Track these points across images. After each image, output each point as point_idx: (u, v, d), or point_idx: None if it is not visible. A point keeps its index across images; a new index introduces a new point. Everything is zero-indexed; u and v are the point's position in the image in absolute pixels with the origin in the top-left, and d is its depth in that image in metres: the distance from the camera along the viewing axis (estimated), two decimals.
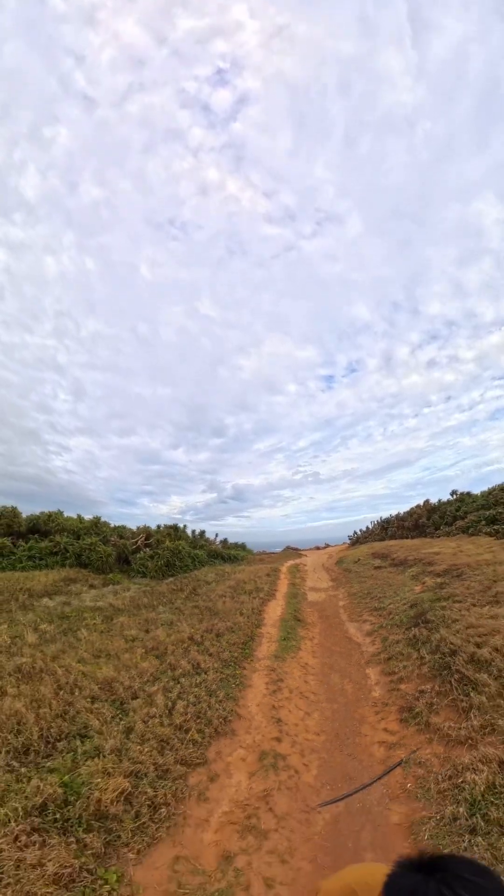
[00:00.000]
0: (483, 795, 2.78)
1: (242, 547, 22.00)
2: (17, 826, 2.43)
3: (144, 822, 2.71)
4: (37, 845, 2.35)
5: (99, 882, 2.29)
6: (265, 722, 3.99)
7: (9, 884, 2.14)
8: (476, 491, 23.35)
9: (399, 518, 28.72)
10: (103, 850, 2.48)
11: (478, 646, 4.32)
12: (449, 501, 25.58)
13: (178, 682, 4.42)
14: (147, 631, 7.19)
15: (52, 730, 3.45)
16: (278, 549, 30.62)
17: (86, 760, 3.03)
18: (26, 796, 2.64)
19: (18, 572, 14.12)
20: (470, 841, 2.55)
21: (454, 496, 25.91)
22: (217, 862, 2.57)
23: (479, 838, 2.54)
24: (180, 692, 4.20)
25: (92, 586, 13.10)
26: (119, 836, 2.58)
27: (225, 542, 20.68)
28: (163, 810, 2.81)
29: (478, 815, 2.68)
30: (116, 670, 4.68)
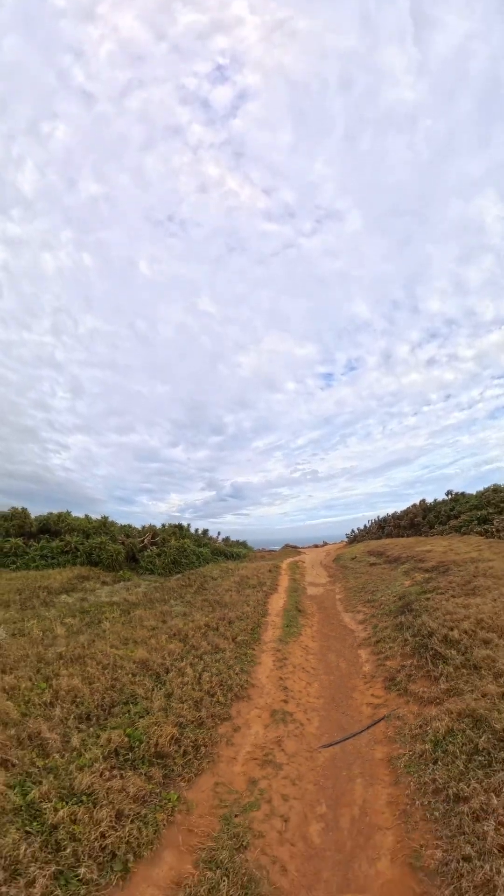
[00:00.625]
0: (444, 737, 3.71)
1: (244, 545, 22.98)
2: (101, 765, 3.32)
3: (190, 759, 3.63)
4: (117, 777, 3.25)
5: (164, 801, 3.20)
6: (274, 689, 4.93)
7: (104, 804, 3.02)
8: (475, 489, 24.29)
9: (395, 517, 29.68)
10: (163, 779, 3.39)
11: (450, 629, 5.27)
12: (444, 501, 26.52)
13: (202, 659, 5.35)
14: (164, 621, 8.09)
15: (105, 699, 4.34)
16: (277, 547, 31.58)
17: (139, 718, 3.94)
18: (101, 745, 3.54)
19: (33, 571, 14.97)
20: (433, 769, 3.48)
21: (449, 496, 26.87)
22: (245, 785, 3.50)
23: (440, 765, 3.47)
24: (204, 666, 5.13)
25: (104, 583, 13.98)
26: (173, 770, 3.50)
27: (227, 539, 21.64)
28: (202, 751, 3.73)
29: (439, 751, 3.61)
30: (148, 652, 5.60)
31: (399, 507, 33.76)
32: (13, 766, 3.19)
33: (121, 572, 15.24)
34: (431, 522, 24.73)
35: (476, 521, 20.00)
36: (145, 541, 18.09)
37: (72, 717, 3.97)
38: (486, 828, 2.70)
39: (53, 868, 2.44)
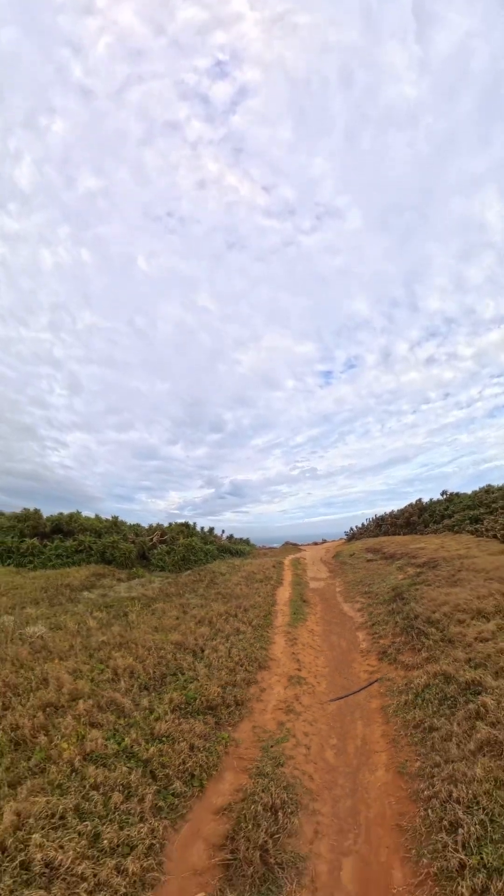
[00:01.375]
0: (422, 690, 4.92)
1: (247, 542, 24.19)
2: (171, 717, 4.45)
3: (232, 710, 4.81)
4: (184, 723, 4.39)
5: (219, 738, 4.35)
6: (288, 661, 6.13)
7: (180, 741, 4.13)
8: (473, 488, 25.53)
9: (393, 516, 30.98)
10: (215, 725, 4.55)
11: (432, 612, 6.49)
12: (439, 501, 27.81)
13: (228, 639, 6.54)
14: (185, 612, 9.24)
15: (156, 672, 5.48)
16: (277, 545, 32.82)
17: (189, 683, 5.11)
18: (166, 704, 4.68)
19: (50, 570, 16.04)
20: (413, 711, 4.67)
21: (444, 496, 28.18)
22: (275, 726, 4.68)
23: (418, 709, 4.66)
24: (231, 645, 6.32)
25: (119, 580, 15.13)
26: (222, 717, 4.67)
27: (231, 537, 22.83)
28: (240, 704, 4.92)
29: (419, 699, 4.81)
30: (182, 635, 6.76)
31: (398, 504, 35.06)
32: (102, 725, 4.32)
33: (134, 569, 16.40)
34: (426, 521, 26.04)
35: (468, 521, 21.30)
36: (154, 539, 19.24)
37: (135, 687, 5.12)
38: (449, 745, 3.89)
39: (154, 787, 3.55)
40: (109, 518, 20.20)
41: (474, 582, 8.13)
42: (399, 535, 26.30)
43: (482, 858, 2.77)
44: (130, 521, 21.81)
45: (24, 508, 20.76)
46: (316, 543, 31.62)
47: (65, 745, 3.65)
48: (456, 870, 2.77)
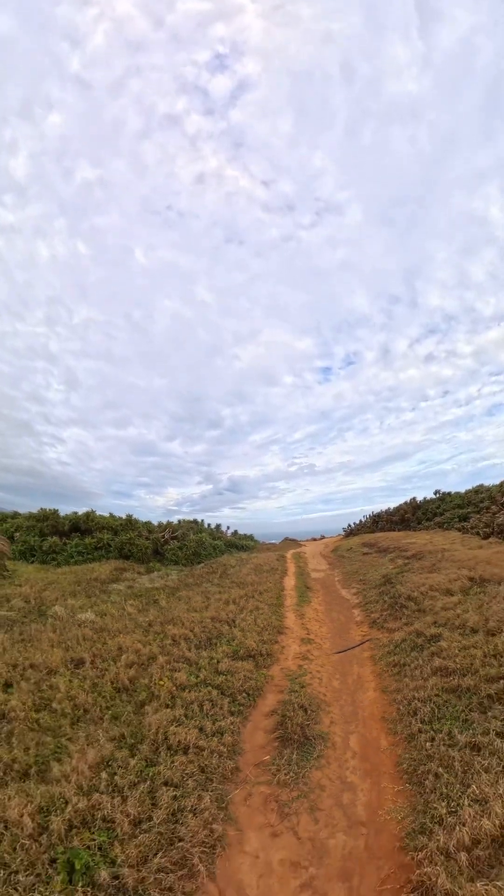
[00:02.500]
0: (399, 643, 6.90)
1: (251, 538, 26.18)
2: (226, 660, 6.39)
3: (265, 658, 6.78)
4: (237, 664, 6.32)
5: (260, 674, 6.29)
6: (300, 629, 8.11)
7: (235, 674, 6.07)
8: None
9: (388, 513, 33.14)
10: (255, 667, 6.50)
11: (412, 591, 8.49)
12: (432, 500, 29.98)
13: (251, 614, 8.50)
14: (208, 598, 11.17)
15: (204, 637, 7.40)
16: (276, 541, 34.86)
17: (231, 641, 7.05)
18: (220, 653, 6.61)
19: (73, 566, 17.84)
20: (394, 657, 6.63)
21: (437, 495, 30.33)
22: (296, 667, 6.66)
23: (397, 655, 6.62)
24: (255, 617, 8.27)
25: (140, 573, 17.03)
26: (259, 662, 6.63)
27: (236, 533, 24.80)
28: (270, 655, 6.88)
29: (397, 649, 6.79)
30: (215, 612, 8.70)
31: (396, 501, 37.24)
32: (181, 670, 6.21)
33: (151, 564, 18.30)
34: (420, 518, 28.22)
35: (457, 519, 23.46)
36: (166, 536, 21.15)
37: (192, 646, 7.05)
38: (415, 672, 5.86)
39: (227, 700, 5.45)
40: (124, 516, 22.03)
41: (450, 570, 10.14)
42: (394, 531, 28.43)
43: (431, 727, 4.73)
44: (134, 517, 23.62)
45: (41, 508, 22.55)
46: (315, 539, 33.73)
47: (162, 682, 5.58)
48: (415, 734, 4.73)
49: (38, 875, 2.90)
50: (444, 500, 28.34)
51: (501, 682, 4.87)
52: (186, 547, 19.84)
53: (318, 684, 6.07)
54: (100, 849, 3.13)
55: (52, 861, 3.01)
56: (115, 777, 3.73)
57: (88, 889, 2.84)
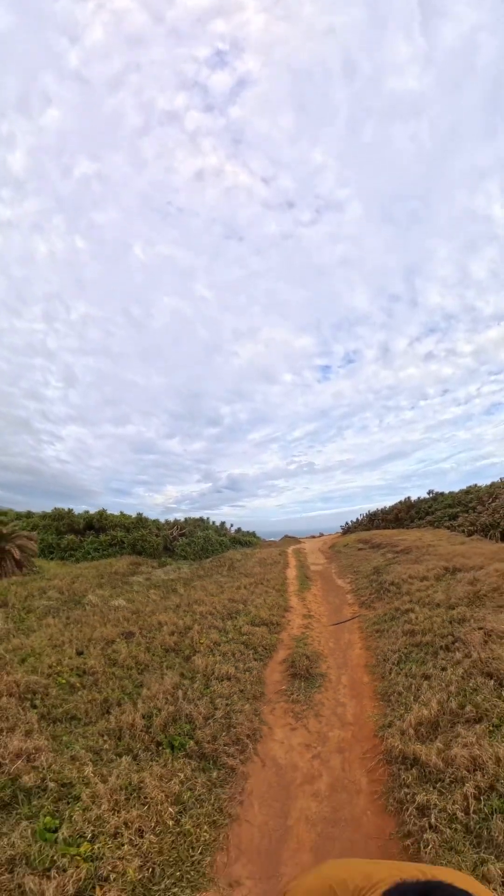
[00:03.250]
0: (381, 616, 8.90)
1: (253, 534, 28.20)
2: (247, 626, 8.38)
3: (276, 626, 8.79)
4: (255, 629, 8.30)
5: (273, 637, 8.28)
6: (302, 608, 10.11)
7: (254, 635, 8.05)
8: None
9: (384, 512, 35.25)
10: (268, 632, 8.49)
11: (396, 579, 10.50)
12: (425, 499, 32.07)
13: (261, 596, 10.48)
14: (221, 586, 13.14)
15: (226, 612, 9.37)
16: (275, 539, 36.89)
17: (247, 615, 9.03)
18: (241, 622, 8.58)
19: (91, 562, 19.69)
20: (375, 626, 8.63)
21: (430, 495, 32.42)
22: (300, 633, 8.67)
23: (378, 625, 8.62)
24: (264, 599, 10.26)
25: (153, 567, 18.95)
26: (270, 628, 8.64)
27: (239, 530, 26.80)
28: (279, 624, 8.88)
29: (380, 620, 8.78)
30: (231, 595, 10.67)
31: (395, 499, 39.36)
32: (213, 634, 8.17)
33: (162, 559, 20.23)
34: (413, 517, 30.32)
35: (447, 518, 25.53)
36: (174, 532, 23.08)
37: (217, 618, 9.01)
38: (390, 635, 7.85)
39: (251, 651, 7.44)
40: (134, 515, 23.93)
41: (430, 561, 12.17)
42: (389, 529, 30.51)
43: (398, 667, 6.72)
44: (135, 514, 25.49)
45: (56, 508, 24.44)
46: (313, 537, 35.75)
47: (202, 640, 7.55)
48: (387, 673, 6.71)
49: (152, 752, 4.82)
50: (436, 500, 30.44)
51: (449, 637, 6.86)
52: (194, 543, 21.80)
53: (317, 644, 8.07)
54: (186, 734, 5.08)
55: (159, 744, 4.93)
56: (187, 693, 5.69)
57: (183, 757, 4.76)
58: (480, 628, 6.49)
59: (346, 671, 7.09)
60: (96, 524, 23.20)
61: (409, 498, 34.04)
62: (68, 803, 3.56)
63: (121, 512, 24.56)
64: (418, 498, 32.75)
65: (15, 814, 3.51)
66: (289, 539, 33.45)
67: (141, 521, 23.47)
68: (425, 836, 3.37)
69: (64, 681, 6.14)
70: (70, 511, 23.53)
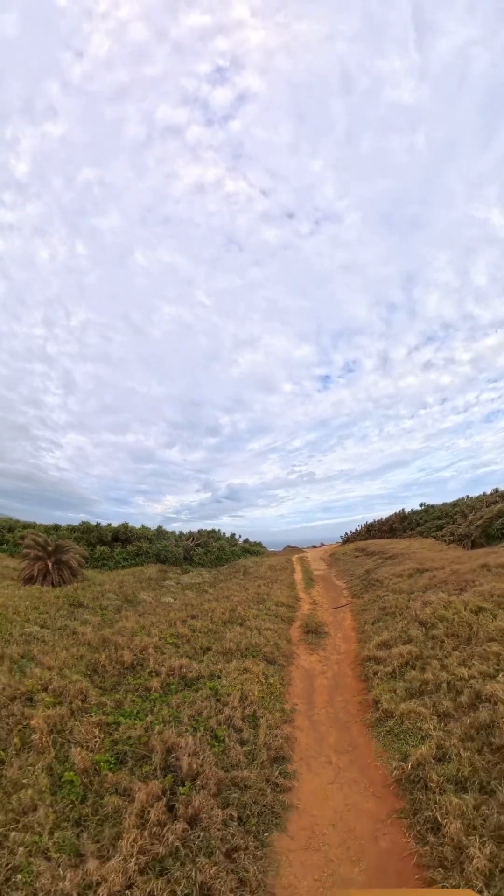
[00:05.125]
0: (367, 602, 13.53)
1: (260, 545, 32.78)
2: (272, 605, 12.97)
3: (293, 608, 13.39)
4: (279, 607, 12.89)
5: (290, 615, 12.87)
6: (308, 599, 14.78)
7: (278, 611, 12.63)
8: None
9: (380, 522, 39.97)
10: (288, 609, 13.08)
11: (380, 577, 15.14)
12: (416, 511, 36.85)
13: (278, 591, 15.08)
14: (243, 586, 17.68)
15: (256, 599, 13.94)
16: (277, 549, 41.41)
17: (272, 600, 13.63)
18: (268, 604, 13.16)
19: (122, 570, 24.03)
20: (363, 607, 13.25)
21: (422, 507, 37.20)
22: (309, 612, 13.30)
23: (364, 608, 13.24)
24: (281, 592, 14.87)
25: (178, 573, 23.42)
26: (290, 608, 13.22)
27: (247, 541, 31.33)
28: (294, 606, 13.50)
29: (365, 604, 13.39)
30: (256, 590, 15.23)
31: (396, 508, 44.13)
32: (253, 609, 12.71)
33: (184, 566, 24.70)
34: (405, 528, 35.07)
35: (434, 528, 30.26)
36: (191, 543, 27.58)
37: (251, 603, 13.56)
38: (369, 610, 12.48)
39: (279, 620, 12.05)
40: (154, 528, 28.40)
41: (408, 564, 16.84)
42: (384, 538, 35.19)
43: (373, 626, 11.33)
44: (131, 524, 29.89)
45: (84, 521, 28.93)
46: (315, 547, 40.42)
47: (247, 614, 12.13)
48: (367, 630, 11.32)
49: (245, 659, 9.32)
50: (426, 512, 35.28)
51: (404, 606, 11.46)
52: (210, 552, 26.33)
53: (321, 618, 12.69)
54: (257, 651, 9.62)
55: (244, 656, 9.45)
56: (249, 636, 10.28)
57: (260, 660, 9.27)
58: (423, 601, 11.12)
59: (340, 631, 11.69)
60: (122, 536, 27.65)
61: (403, 510, 38.86)
62: (218, 678, 8.06)
63: (142, 525, 29.03)
64: (411, 510, 37.55)
65: (192, 689, 7.99)
66: (292, 549, 38.06)
67: (161, 533, 27.96)
68: (376, 681, 7.93)
69: (170, 642, 10.66)
70: (98, 524, 27.97)
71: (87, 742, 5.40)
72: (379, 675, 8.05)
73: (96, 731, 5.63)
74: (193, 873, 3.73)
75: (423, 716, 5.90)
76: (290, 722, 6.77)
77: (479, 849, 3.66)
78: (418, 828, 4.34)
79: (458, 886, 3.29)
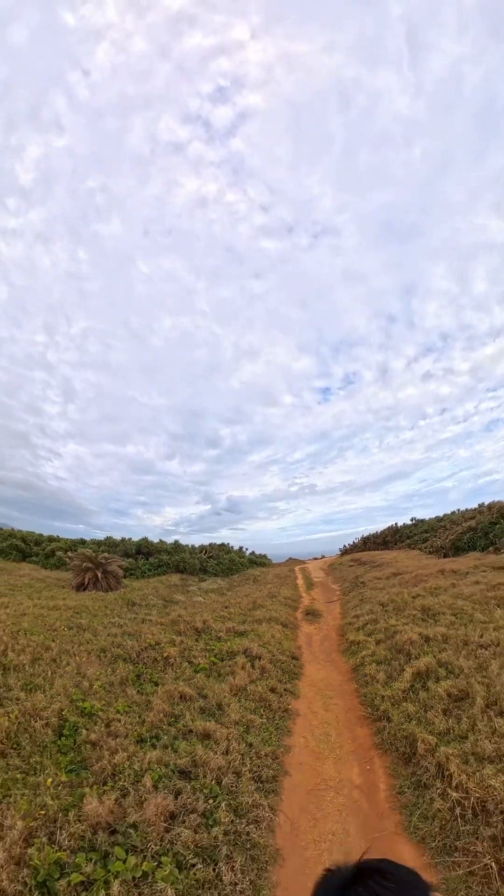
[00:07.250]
0: (352, 597, 19.79)
1: (265, 556, 39.02)
2: (286, 598, 19.23)
3: (299, 600, 19.69)
4: (287, 600, 19.13)
5: (297, 601, 19.13)
6: (308, 597, 21.15)
7: (286, 603, 18.88)
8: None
9: (375, 536, 46.36)
10: (292, 601, 19.36)
11: (365, 580, 21.45)
12: (407, 525, 43.27)
13: (284, 591, 21.34)
14: (257, 589, 23.88)
15: (267, 596, 20.16)
16: (279, 561, 47.51)
17: (281, 596, 19.90)
18: (279, 598, 19.41)
19: (148, 579, 30.11)
20: (349, 601, 19.50)
21: (412, 521, 43.61)
22: (308, 601, 19.63)
23: (350, 601, 19.48)
24: (287, 592, 21.14)
25: (196, 582, 29.57)
26: (294, 601, 19.50)
27: (253, 553, 37.55)
28: (297, 601, 19.80)
29: (351, 599, 19.64)
30: (268, 592, 21.47)
31: (397, 519, 50.61)
32: (271, 601, 18.92)
33: (200, 576, 30.83)
34: (397, 540, 41.48)
35: (421, 541, 36.60)
36: (204, 555, 33.72)
37: (265, 598, 19.80)
38: (352, 599, 18.76)
39: (289, 605, 18.32)
40: (171, 542, 34.53)
41: (389, 569, 23.16)
42: (377, 550, 41.45)
43: (353, 610, 17.62)
44: (131, 536, 36.03)
45: (108, 536, 35.12)
46: (316, 558, 46.81)
47: (264, 604, 18.37)
48: (349, 611, 17.60)
49: (269, 625, 15.54)
50: (416, 526, 41.75)
51: (375, 595, 17.68)
52: (222, 563, 32.53)
53: (318, 608, 18.94)
54: (276, 619, 15.84)
55: (270, 623, 15.67)
56: (271, 611, 16.52)
57: (277, 624, 15.48)
58: (386, 593, 17.36)
59: (331, 615, 17.93)
60: (144, 549, 33.82)
61: (395, 524, 45.32)
62: (255, 632, 14.26)
63: (160, 539, 35.20)
64: (403, 524, 43.94)
65: (244, 636, 14.17)
66: (294, 560, 44.33)
67: (178, 546, 34.14)
68: (349, 631, 14.13)
69: (218, 618, 16.81)
70: (123, 539, 34.11)
71: (201, 656, 11.57)
72: (351, 628, 14.29)
73: (203, 653, 11.81)
74: (261, 687, 9.92)
75: (368, 642, 12.14)
76: (298, 648, 13.05)
77: (375, 668, 9.94)
78: (359, 678, 10.56)
79: (368, 675, 9.56)
